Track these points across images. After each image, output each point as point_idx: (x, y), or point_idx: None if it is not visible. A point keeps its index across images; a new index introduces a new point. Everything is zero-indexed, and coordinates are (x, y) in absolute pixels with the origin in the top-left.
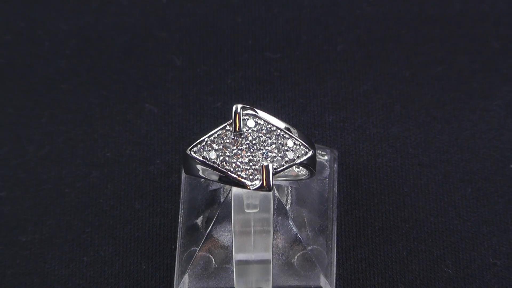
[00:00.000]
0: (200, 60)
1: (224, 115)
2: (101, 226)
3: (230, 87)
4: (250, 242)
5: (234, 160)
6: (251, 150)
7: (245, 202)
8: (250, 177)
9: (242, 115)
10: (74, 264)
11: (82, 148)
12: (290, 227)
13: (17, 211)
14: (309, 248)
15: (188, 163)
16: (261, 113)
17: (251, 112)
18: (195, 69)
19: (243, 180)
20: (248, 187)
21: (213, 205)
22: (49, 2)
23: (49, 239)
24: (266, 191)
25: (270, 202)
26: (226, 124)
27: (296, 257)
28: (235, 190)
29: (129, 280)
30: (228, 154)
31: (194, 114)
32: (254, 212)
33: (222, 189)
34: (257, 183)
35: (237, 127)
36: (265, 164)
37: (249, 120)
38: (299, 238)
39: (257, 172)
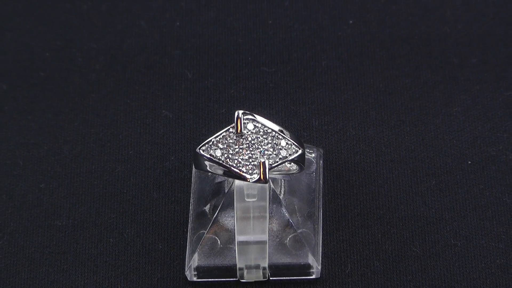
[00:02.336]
0: (208, 73)
1: (228, 120)
2: (125, 213)
3: (232, 96)
4: (250, 226)
5: (236, 157)
6: (251, 149)
7: (245, 192)
8: (250, 171)
9: (243, 120)
10: (102, 244)
11: (109, 147)
12: (283, 213)
13: (54, 200)
14: (299, 231)
15: (198, 159)
16: (259, 118)
17: (250, 117)
18: (204, 81)
19: (243, 174)
20: (248, 180)
21: (219, 195)
22: (82, 25)
23: (81, 223)
24: (263, 183)
25: (266, 192)
26: (229, 127)
27: (288, 238)
28: (237, 182)
29: (148, 258)
30: (231, 152)
31: (202, 119)
32: (253, 201)
33: (226, 182)
34: (256, 176)
35: (239, 129)
36: (262, 160)
37: (248, 124)
38: (291, 222)
39: (255, 167)
